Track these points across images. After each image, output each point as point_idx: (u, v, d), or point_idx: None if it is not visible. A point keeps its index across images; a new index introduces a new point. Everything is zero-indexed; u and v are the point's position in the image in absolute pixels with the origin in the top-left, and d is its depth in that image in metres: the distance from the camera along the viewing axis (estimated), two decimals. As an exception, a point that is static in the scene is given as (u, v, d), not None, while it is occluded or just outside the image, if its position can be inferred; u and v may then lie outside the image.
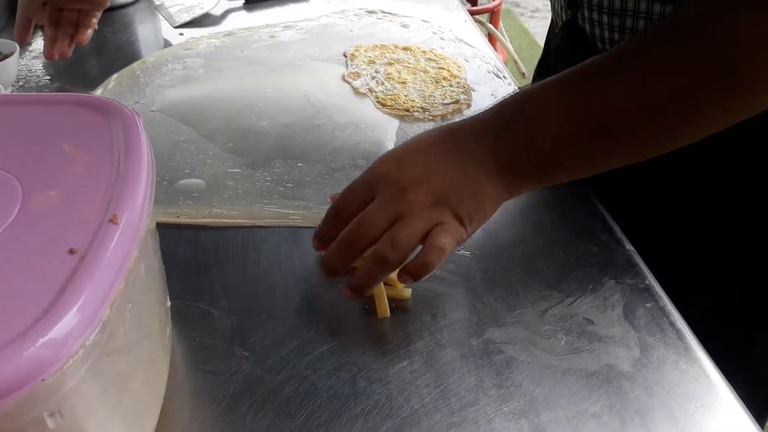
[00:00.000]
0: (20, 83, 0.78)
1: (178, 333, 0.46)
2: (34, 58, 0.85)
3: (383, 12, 0.99)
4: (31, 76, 0.80)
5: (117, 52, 0.87)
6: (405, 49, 0.86)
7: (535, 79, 0.81)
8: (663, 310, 0.48)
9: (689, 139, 0.43)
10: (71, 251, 0.29)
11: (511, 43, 2.98)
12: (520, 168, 0.45)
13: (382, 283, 0.48)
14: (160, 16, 0.97)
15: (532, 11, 4.23)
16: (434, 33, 0.93)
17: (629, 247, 0.54)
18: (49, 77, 0.80)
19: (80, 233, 0.30)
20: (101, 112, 0.39)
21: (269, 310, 0.47)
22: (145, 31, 0.95)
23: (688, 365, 0.43)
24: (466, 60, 0.85)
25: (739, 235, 0.60)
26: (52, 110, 0.40)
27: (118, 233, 0.30)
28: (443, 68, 0.82)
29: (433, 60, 0.84)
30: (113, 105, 0.39)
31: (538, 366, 0.43)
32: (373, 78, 0.79)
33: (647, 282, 0.50)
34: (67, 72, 0.81)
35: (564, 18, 0.65)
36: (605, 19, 0.58)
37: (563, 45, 0.69)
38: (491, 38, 2.19)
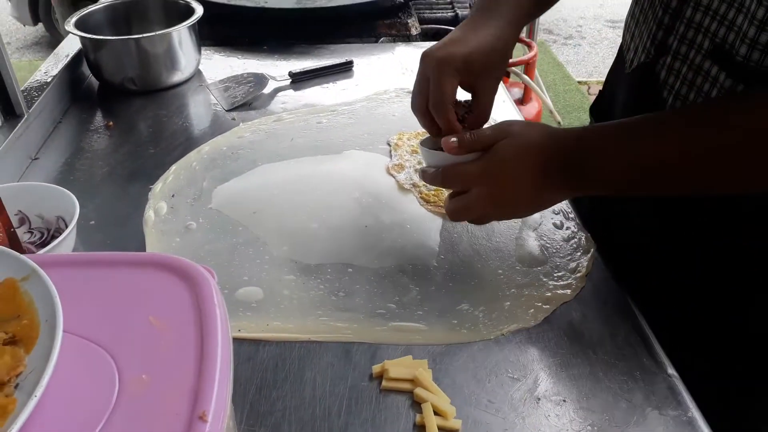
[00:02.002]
0: (83, 177, 0.83)
1: (243, 462, 0.49)
2: (96, 149, 0.90)
3: (425, 92, 1.02)
4: (93, 168, 0.85)
5: (173, 138, 0.91)
6: (447, 135, 0.89)
7: (593, 115, 0.84)
8: (706, 448, 0.49)
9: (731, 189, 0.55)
10: (167, 452, 0.32)
11: (544, 78, 3.00)
12: (587, 192, 0.61)
13: (433, 417, 0.51)
14: (212, 97, 1.02)
15: (566, 38, 4.25)
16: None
17: (671, 371, 0.56)
18: (107, 168, 0.85)
19: (172, 429, 0.33)
20: (179, 275, 0.42)
21: (327, 439, 0.50)
22: (198, 113, 1.00)
23: None
24: (506, 148, 0.88)
25: None
26: (133, 272, 0.43)
27: (207, 431, 0.33)
28: (484, 159, 0.84)
29: (475, 148, 0.87)
30: (190, 268, 0.43)
31: None
32: (416, 171, 0.82)
33: (690, 414, 0.52)
34: (128, 162, 0.86)
35: (642, 59, 0.66)
36: (689, 75, 0.59)
37: (630, 89, 0.70)
38: (527, 89, 2.20)
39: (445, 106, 0.64)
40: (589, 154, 0.57)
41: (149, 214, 0.75)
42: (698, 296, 0.65)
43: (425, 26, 1.38)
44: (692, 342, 0.63)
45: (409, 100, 1.00)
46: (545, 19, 4.43)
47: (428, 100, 0.65)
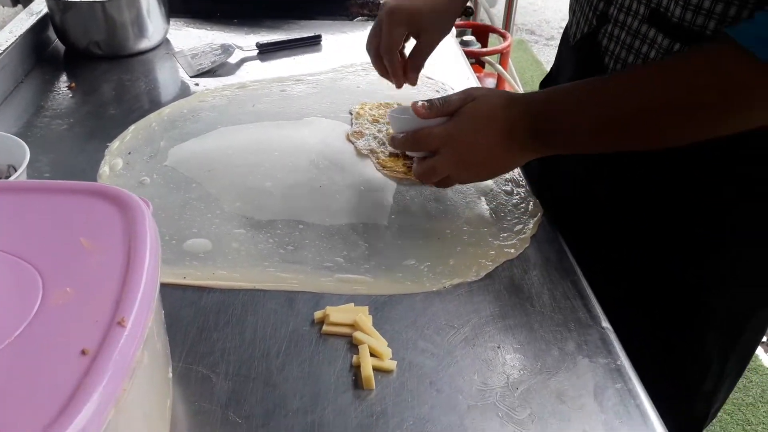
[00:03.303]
0: (40, 133, 0.83)
1: (179, 396, 0.49)
2: (56, 108, 0.90)
3: (390, 66, 1.03)
4: (51, 125, 0.85)
5: (135, 101, 0.91)
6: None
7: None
8: (631, 392, 0.51)
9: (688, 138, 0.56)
10: (83, 352, 0.33)
11: (522, 75, 3.02)
12: (552, 151, 0.62)
13: (369, 357, 0.52)
14: (178, 65, 1.02)
15: (547, 39, 4.28)
16: (437, 91, 0.97)
17: (606, 324, 0.57)
18: (66, 126, 0.85)
19: (91, 333, 0.34)
20: (114, 202, 0.43)
21: (263, 377, 0.51)
22: (163, 79, 1.00)
23: (649, 450, 0.46)
24: (466, 120, 0.89)
25: None
26: (68, 199, 0.44)
27: (125, 335, 0.34)
28: (443, 129, 0.85)
29: (434, 119, 0.88)
30: (124, 196, 0.43)
31: (508, 446, 0.46)
32: (375, 138, 0.83)
33: (619, 362, 0.53)
34: (88, 121, 0.86)
35: (585, 30, 0.69)
36: (628, 39, 0.63)
37: (575, 60, 0.73)
38: (500, 79, 2.23)
39: (392, 51, 0.75)
40: (556, 113, 0.60)
41: (104, 169, 0.75)
42: (640, 246, 0.67)
43: (398, 9, 1.39)
44: (631, 294, 0.66)
45: (375, 73, 1.02)
46: (528, 19, 4.47)
47: (380, 43, 0.76)
